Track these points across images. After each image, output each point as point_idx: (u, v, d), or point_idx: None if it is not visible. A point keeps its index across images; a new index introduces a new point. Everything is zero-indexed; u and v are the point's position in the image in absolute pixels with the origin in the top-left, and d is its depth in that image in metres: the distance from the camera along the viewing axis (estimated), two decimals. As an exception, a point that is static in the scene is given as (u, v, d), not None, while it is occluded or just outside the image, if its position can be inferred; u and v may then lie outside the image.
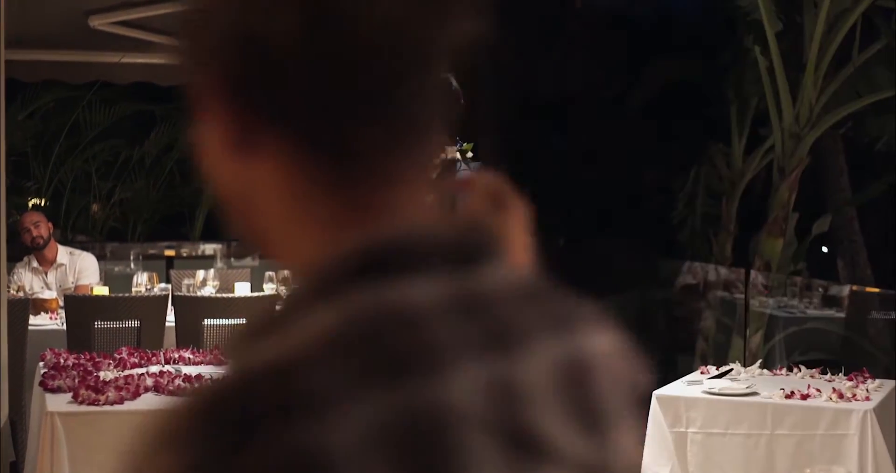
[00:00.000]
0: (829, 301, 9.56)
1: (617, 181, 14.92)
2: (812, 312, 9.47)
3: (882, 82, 9.61)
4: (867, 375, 5.94)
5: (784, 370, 6.24)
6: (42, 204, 10.57)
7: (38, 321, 7.45)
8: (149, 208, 10.97)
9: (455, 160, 3.97)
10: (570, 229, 15.37)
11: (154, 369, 5.60)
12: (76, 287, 7.94)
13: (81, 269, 8.09)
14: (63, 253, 8.14)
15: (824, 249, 13.19)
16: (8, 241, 5.64)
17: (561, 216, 15.78)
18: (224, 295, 7.50)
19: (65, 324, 7.17)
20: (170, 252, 10.47)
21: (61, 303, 7.45)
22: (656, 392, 5.71)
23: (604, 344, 1.08)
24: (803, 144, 9.85)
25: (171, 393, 5.19)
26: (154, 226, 11.11)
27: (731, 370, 6.18)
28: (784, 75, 9.72)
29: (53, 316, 7.59)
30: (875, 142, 10.21)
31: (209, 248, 10.63)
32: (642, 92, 13.35)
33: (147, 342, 7.01)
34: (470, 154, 4.20)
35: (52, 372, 5.43)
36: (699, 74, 11.99)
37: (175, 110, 11.27)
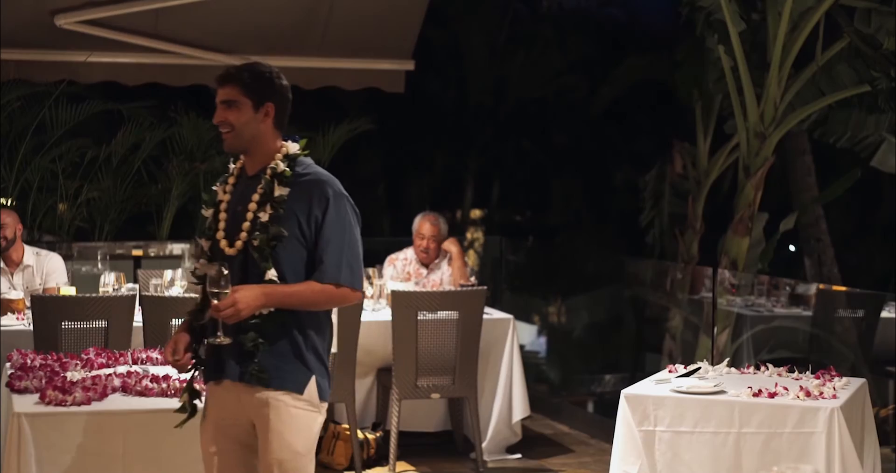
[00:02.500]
0: (796, 300, 9.61)
1: (586, 181, 14.97)
2: (779, 310, 9.51)
3: (845, 81, 9.66)
4: (834, 373, 5.97)
5: (751, 369, 6.27)
6: (9, 204, 10.51)
7: (5, 322, 7.42)
8: (116, 207, 10.91)
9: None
10: (540, 228, 15.42)
11: (122, 369, 5.58)
12: (44, 290, 7.90)
13: (49, 271, 8.05)
14: (29, 254, 8.11)
15: (791, 247, 13.26)
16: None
17: (530, 215, 15.82)
18: (192, 295, 7.47)
19: (31, 324, 7.13)
20: (137, 252, 10.44)
21: (28, 303, 7.42)
22: (624, 391, 5.73)
23: None
24: (768, 143, 9.89)
25: (138, 394, 5.18)
26: (121, 226, 11.06)
27: (699, 368, 6.21)
28: (748, 74, 9.75)
29: (20, 316, 7.56)
30: (839, 140, 10.25)
31: (177, 248, 10.59)
32: (610, 92, 13.39)
33: (114, 342, 6.99)
34: (307, 151, 4.45)
35: (19, 373, 5.41)
36: (665, 73, 12.03)
37: (142, 110, 11.23)
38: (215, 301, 4.24)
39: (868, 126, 9.83)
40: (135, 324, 7.33)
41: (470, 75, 15.28)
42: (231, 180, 4.52)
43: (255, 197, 4.38)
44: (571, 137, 14.70)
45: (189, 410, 4.53)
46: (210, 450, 4.48)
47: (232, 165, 4.57)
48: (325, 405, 4.49)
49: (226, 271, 4.25)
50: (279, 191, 4.37)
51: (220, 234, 4.43)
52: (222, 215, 4.46)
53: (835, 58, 9.61)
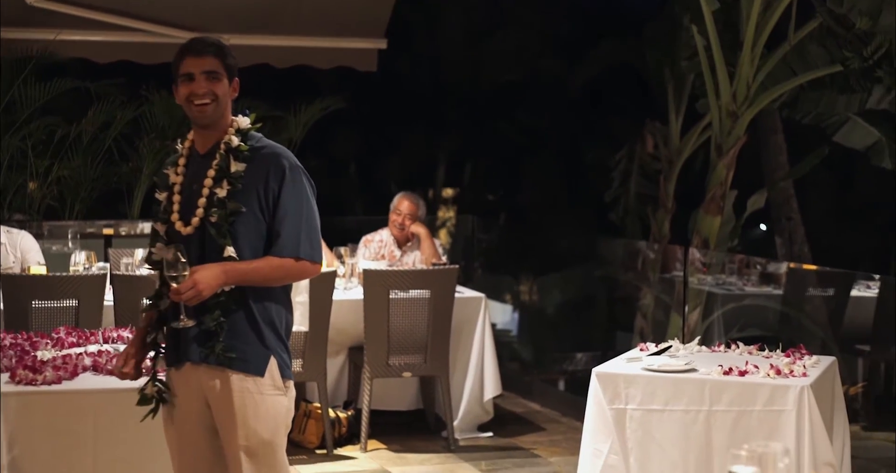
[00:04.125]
0: (767, 278, 9.64)
1: (559, 161, 14.98)
2: (750, 289, 9.55)
3: (817, 61, 9.68)
4: (804, 351, 6.00)
5: (722, 347, 6.29)
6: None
7: (-25, 301, 7.38)
8: (86, 186, 10.86)
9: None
10: (512, 208, 15.42)
11: (92, 348, 5.56)
12: (23, 269, 7.86)
13: (26, 249, 7.99)
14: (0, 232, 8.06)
15: (763, 226, 13.31)
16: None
17: (503, 195, 15.83)
18: (163, 274, 7.45)
19: (1, 303, 7.10)
20: (108, 231, 10.39)
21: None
22: (596, 369, 5.75)
23: None
24: (740, 123, 9.91)
25: (109, 373, 5.16)
26: (92, 204, 11.00)
27: (670, 347, 6.22)
28: (721, 54, 9.76)
29: (-10, 295, 7.52)
30: (806, 117, 10.28)
31: (148, 226, 10.53)
32: (585, 73, 13.38)
33: (85, 321, 6.97)
34: (259, 125, 4.43)
35: (-11, 352, 5.39)
36: (641, 55, 12.03)
37: (112, 88, 11.16)
38: (174, 285, 4.20)
39: (839, 106, 9.85)
40: (105, 303, 7.31)
41: (445, 55, 15.26)
42: (181, 161, 4.45)
43: (211, 173, 4.33)
44: (545, 118, 14.70)
45: (156, 401, 4.44)
46: (174, 437, 4.44)
47: (179, 147, 4.50)
48: (291, 383, 4.44)
49: (182, 254, 4.20)
50: (235, 166, 4.31)
51: (175, 216, 4.36)
52: (176, 197, 4.39)
53: (807, 38, 9.62)
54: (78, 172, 10.83)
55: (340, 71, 10.82)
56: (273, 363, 4.35)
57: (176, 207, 4.38)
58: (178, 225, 4.35)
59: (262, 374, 4.32)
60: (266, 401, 4.34)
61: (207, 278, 4.20)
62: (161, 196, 4.45)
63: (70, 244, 9.61)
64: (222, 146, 4.37)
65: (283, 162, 4.36)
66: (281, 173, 4.34)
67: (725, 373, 5.62)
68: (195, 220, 4.32)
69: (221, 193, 4.31)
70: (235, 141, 4.37)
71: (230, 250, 4.27)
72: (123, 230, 10.53)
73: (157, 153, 10.87)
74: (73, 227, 10.17)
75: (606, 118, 14.04)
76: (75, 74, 11.08)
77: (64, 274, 7.35)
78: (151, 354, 4.47)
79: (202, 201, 4.32)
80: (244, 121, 4.44)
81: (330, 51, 10.31)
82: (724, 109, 9.90)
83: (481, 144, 15.49)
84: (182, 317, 4.25)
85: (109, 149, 11.05)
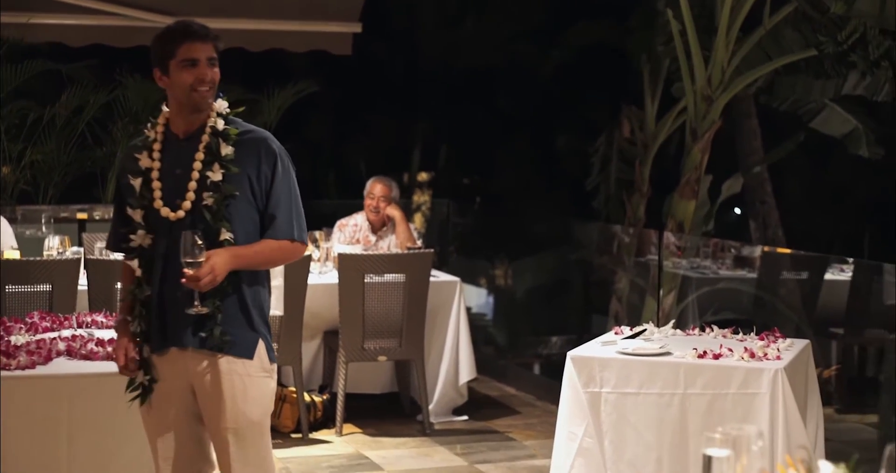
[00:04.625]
0: (742, 262, 9.67)
1: (534, 145, 14.97)
2: (724, 272, 9.57)
3: (791, 45, 9.70)
4: (778, 334, 6.02)
5: (696, 330, 6.31)
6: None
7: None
8: (60, 170, 10.80)
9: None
10: (487, 192, 15.41)
11: (66, 333, 5.54)
12: None
13: None
14: (-27, 216, 8.02)
15: (737, 210, 13.33)
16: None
17: (478, 179, 15.82)
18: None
19: (-25, 288, 7.07)
20: (82, 215, 10.35)
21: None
22: (570, 353, 5.76)
23: None
24: (715, 107, 9.93)
25: (83, 358, 5.14)
26: (65, 189, 10.94)
27: (645, 330, 6.24)
28: (696, 38, 9.78)
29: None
30: (783, 104, 10.30)
31: (122, 211, 10.50)
32: (560, 57, 13.37)
33: (59, 306, 6.94)
34: (242, 108, 4.51)
35: (-38, 337, 5.36)
36: (616, 39, 12.02)
37: (86, 71, 11.11)
38: (190, 271, 4.16)
39: (814, 91, 9.87)
40: (80, 288, 7.28)
41: (420, 39, 15.23)
42: (156, 147, 4.39)
43: (199, 157, 4.30)
44: (521, 102, 14.68)
45: (145, 388, 4.40)
46: (154, 423, 4.43)
47: (149, 130, 4.44)
48: (275, 367, 4.47)
49: (199, 239, 4.18)
50: (225, 149, 4.31)
51: (158, 203, 4.32)
52: (155, 183, 4.33)
53: (782, 22, 9.64)
54: (51, 156, 10.78)
55: (315, 55, 10.79)
56: (261, 346, 4.38)
57: (157, 193, 4.33)
58: (164, 211, 4.30)
59: (251, 357, 4.34)
60: (255, 383, 4.36)
61: (220, 263, 4.19)
62: (135, 182, 4.37)
63: (44, 229, 9.57)
64: (208, 129, 4.35)
65: (273, 146, 4.37)
66: (273, 158, 4.35)
67: (700, 357, 5.64)
68: (186, 204, 4.29)
69: (215, 176, 4.28)
70: (221, 124, 4.35)
71: (227, 234, 4.25)
72: (97, 215, 10.48)
73: (131, 137, 10.80)
74: (47, 211, 10.12)
75: (582, 103, 14.03)
76: (48, 58, 11.02)
77: (38, 259, 7.32)
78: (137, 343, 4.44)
79: (192, 184, 4.29)
80: (222, 104, 4.43)
81: (304, 34, 10.28)
82: (699, 93, 9.91)
83: (456, 128, 15.47)
84: (196, 303, 4.22)
85: (83, 133, 11.00)
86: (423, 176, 16.14)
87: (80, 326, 5.84)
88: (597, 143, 12.23)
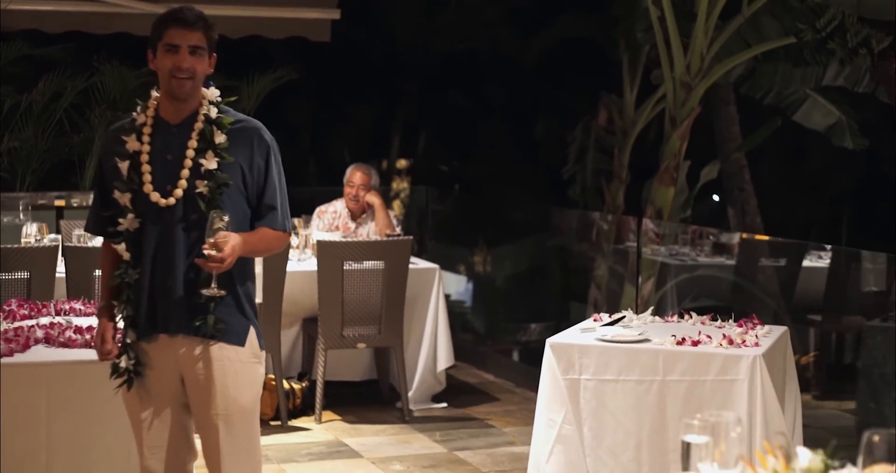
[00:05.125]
0: (720, 249, 9.69)
1: (513, 132, 14.97)
2: (703, 259, 9.60)
3: (770, 33, 9.71)
4: (756, 321, 6.04)
5: (675, 317, 6.32)
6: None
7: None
8: (37, 157, 10.76)
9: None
10: (466, 179, 15.41)
11: (44, 320, 5.53)
12: None
13: None
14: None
15: (715, 197, 13.36)
16: None
17: (457, 166, 15.81)
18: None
19: (-48, 276, 7.05)
20: (60, 202, 10.32)
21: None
22: (550, 340, 5.76)
23: None
24: (694, 94, 9.94)
25: (62, 345, 5.13)
26: (43, 176, 10.91)
27: (624, 317, 6.25)
28: (675, 25, 9.78)
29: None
30: (766, 96, 10.33)
31: (101, 198, 10.47)
32: (542, 44, 13.36)
33: (37, 293, 6.91)
34: (234, 98, 4.49)
35: (-60, 324, 5.34)
36: (597, 27, 12.02)
37: (63, 58, 11.07)
38: (214, 252, 4.13)
39: (794, 79, 9.90)
40: (57, 275, 7.26)
41: (399, 25, 15.20)
42: (146, 130, 4.35)
43: (192, 144, 4.28)
44: (500, 89, 14.67)
45: (130, 373, 4.36)
46: (139, 410, 4.39)
47: (138, 113, 4.39)
48: (265, 353, 4.48)
49: (227, 219, 4.17)
50: (219, 138, 4.29)
51: (148, 187, 4.28)
52: (145, 167, 4.29)
53: (761, 10, 9.66)
54: (29, 143, 10.74)
55: (294, 41, 10.76)
56: (252, 333, 4.38)
57: (147, 177, 4.29)
58: (154, 196, 4.27)
59: (243, 344, 4.34)
60: (246, 370, 4.36)
61: (235, 247, 4.18)
62: (122, 164, 4.32)
63: (21, 216, 9.54)
64: (201, 117, 4.32)
65: (266, 136, 4.38)
66: (266, 148, 4.35)
67: (678, 343, 5.65)
68: (178, 191, 4.26)
69: (209, 164, 4.26)
70: (214, 112, 4.33)
71: (220, 223, 4.22)
72: (75, 202, 10.45)
73: (109, 124, 10.78)
74: (25, 198, 10.09)
75: (561, 89, 14.03)
76: (25, 44, 10.97)
77: (15, 246, 7.29)
78: (121, 325, 4.42)
79: (185, 172, 4.27)
80: (214, 92, 4.40)
81: (283, 21, 10.25)
82: (678, 80, 9.92)
83: (435, 114, 15.46)
84: (213, 285, 4.21)
85: (61, 120, 10.96)
86: (402, 163, 16.13)
87: (58, 313, 5.82)
88: (574, 131, 12.23)
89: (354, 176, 8.79)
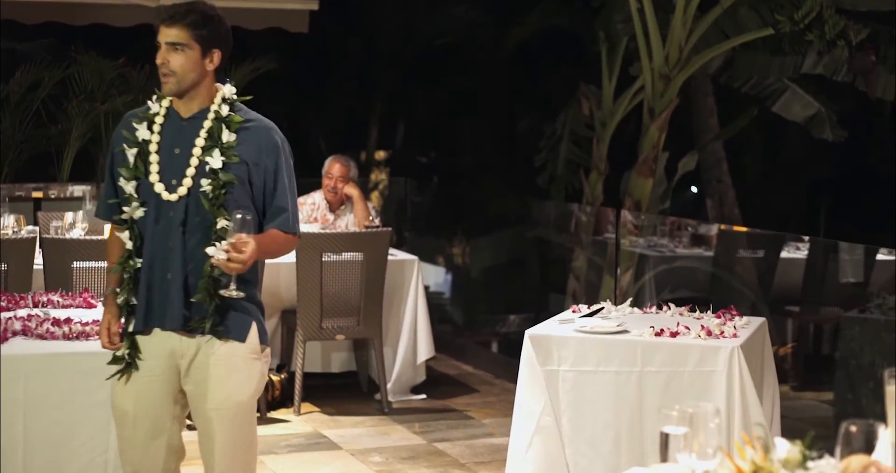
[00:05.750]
0: (698, 240, 9.71)
1: (492, 123, 14.96)
2: (681, 251, 9.61)
3: (748, 24, 9.73)
4: (734, 312, 6.05)
5: (654, 309, 6.33)
6: None
7: None
8: (15, 148, 10.72)
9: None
10: (445, 170, 15.40)
11: (22, 312, 5.50)
12: None
13: None
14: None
15: (693, 189, 13.38)
16: None
17: (435, 157, 15.80)
18: (93, 237, 7.39)
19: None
20: (37, 194, 10.28)
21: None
22: (528, 331, 5.76)
23: None
24: (673, 85, 9.96)
25: (39, 337, 5.11)
26: (20, 167, 10.87)
27: (602, 308, 6.26)
28: (654, 17, 9.79)
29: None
30: (744, 85, 10.34)
31: (77, 189, 10.44)
32: (519, 34, 13.34)
33: (14, 285, 6.88)
34: (250, 97, 4.42)
35: (-84, 317, 5.32)
36: (576, 17, 12.01)
37: (40, 49, 11.03)
38: (235, 253, 4.08)
39: (772, 70, 9.92)
40: (35, 267, 7.23)
41: (377, 16, 15.18)
42: (159, 121, 4.30)
43: (200, 141, 4.24)
44: (479, 80, 14.66)
45: (127, 364, 4.33)
46: (130, 402, 4.35)
47: (154, 103, 4.34)
48: (268, 348, 4.45)
49: (249, 218, 4.14)
50: (227, 136, 4.24)
51: (154, 177, 4.24)
52: (153, 157, 4.26)
53: (739, 1, 9.67)
54: (6, 134, 10.69)
55: (272, 32, 10.74)
56: (254, 329, 4.35)
57: (154, 167, 4.26)
58: (159, 187, 4.23)
59: (243, 340, 4.31)
60: (245, 365, 4.34)
61: (255, 250, 4.13)
62: (130, 152, 4.27)
63: (-2, 208, 9.49)
64: (212, 114, 4.28)
65: (276, 137, 4.34)
66: (276, 149, 4.32)
67: (657, 334, 5.66)
68: (182, 189, 4.22)
69: (215, 163, 4.22)
70: (225, 110, 4.29)
71: (224, 222, 4.20)
72: (53, 193, 10.41)
73: (87, 115, 10.75)
74: (2, 190, 10.05)
75: (540, 81, 14.03)
76: (2, 35, 10.93)
77: (-8, 238, 7.26)
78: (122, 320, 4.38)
79: (191, 170, 4.23)
80: (229, 89, 4.35)
81: (261, 12, 10.23)
82: (656, 71, 9.94)
83: (414, 106, 15.45)
84: (233, 286, 4.17)
85: (38, 111, 10.91)
86: (380, 154, 16.11)
87: (35, 305, 5.80)
88: (556, 122, 12.23)
89: (333, 167, 8.77)
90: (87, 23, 9.71)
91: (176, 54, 4.23)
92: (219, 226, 4.18)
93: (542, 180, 12.22)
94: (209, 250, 4.16)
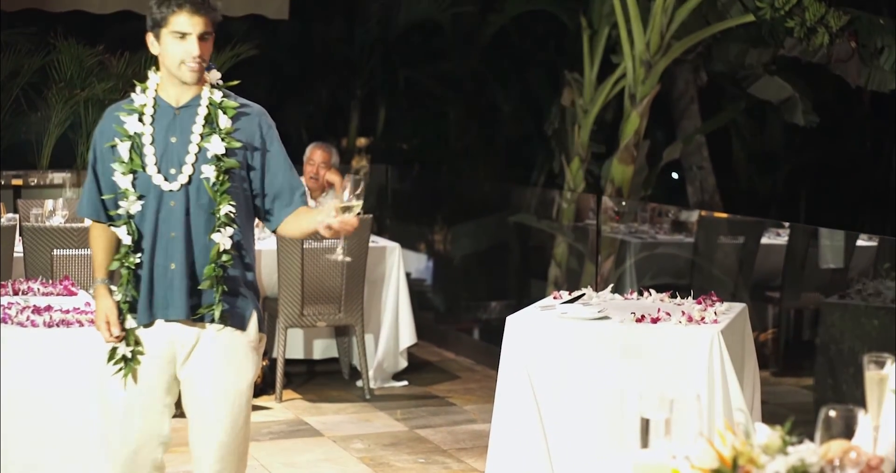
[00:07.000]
0: (679, 227, 9.72)
1: (474, 109, 14.94)
2: (662, 237, 9.63)
3: (730, 11, 9.73)
4: (715, 298, 6.06)
5: (635, 295, 6.34)
6: None
7: None
8: (-6, 136, 10.69)
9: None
10: (426, 157, 15.38)
11: (2, 300, 5.50)
12: None
13: None
14: None
15: (674, 175, 13.39)
16: None
17: (416, 144, 15.78)
18: (73, 225, 7.37)
19: None
20: (17, 181, 10.25)
21: None
22: (510, 318, 5.77)
23: None
24: (654, 72, 9.96)
25: (19, 325, 5.10)
26: (0, 155, 10.83)
27: (583, 295, 6.26)
28: (636, 4, 9.80)
29: None
30: (721, 68, 10.36)
31: (58, 177, 10.41)
32: (500, 20, 13.32)
33: (-6, 273, 6.88)
34: (237, 82, 4.45)
35: None
36: (557, 2, 12.00)
37: (20, 36, 10.97)
38: (349, 216, 4.17)
39: (751, 58, 9.92)
40: (15, 255, 7.22)
41: (357, 3, 15.15)
42: (149, 112, 4.26)
43: (198, 129, 4.23)
44: (460, 67, 14.64)
45: (127, 360, 4.30)
46: (119, 393, 4.32)
47: (137, 95, 4.30)
48: (264, 337, 4.45)
49: (363, 184, 4.17)
50: (225, 122, 4.24)
51: (152, 169, 4.21)
52: (148, 149, 4.22)
53: (720, -13, 9.68)
54: (-15, 122, 10.65)
55: (252, 19, 10.71)
56: (254, 318, 4.35)
57: (151, 158, 4.22)
58: (158, 178, 4.21)
59: (244, 328, 4.31)
60: (245, 353, 4.34)
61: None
62: (122, 146, 4.24)
63: (-23, 195, 9.47)
64: (205, 101, 4.27)
65: (268, 120, 4.38)
66: (272, 133, 4.35)
67: (638, 321, 5.67)
68: (183, 177, 4.21)
69: (216, 149, 4.21)
70: (218, 96, 4.28)
71: (228, 207, 4.20)
72: (33, 181, 10.38)
73: (66, 102, 10.71)
74: (-18, 178, 10.02)
75: (522, 67, 14.01)
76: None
77: (-28, 225, 7.24)
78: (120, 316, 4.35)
79: (190, 157, 4.22)
80: (215, 75, 4.35)
81: (242, -1, 10.21)
82: (638, 58, 9.94)
83: (395, 93, 15.42)
84: (341, 249, 4.35)
85: (17, 98, 10.86)
86: (361, 141, 16.08)
87: (15, 293, 5.79)
88: (543, 108, 12.21)
89: (315, 154, 8.76)
90: (65, 10, 9.67)
91: (205, 44, 4.24)
92: (222, 212, 4.18)
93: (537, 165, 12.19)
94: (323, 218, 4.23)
